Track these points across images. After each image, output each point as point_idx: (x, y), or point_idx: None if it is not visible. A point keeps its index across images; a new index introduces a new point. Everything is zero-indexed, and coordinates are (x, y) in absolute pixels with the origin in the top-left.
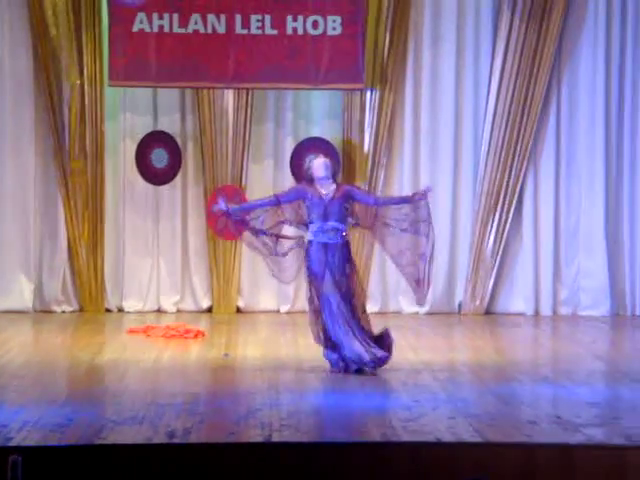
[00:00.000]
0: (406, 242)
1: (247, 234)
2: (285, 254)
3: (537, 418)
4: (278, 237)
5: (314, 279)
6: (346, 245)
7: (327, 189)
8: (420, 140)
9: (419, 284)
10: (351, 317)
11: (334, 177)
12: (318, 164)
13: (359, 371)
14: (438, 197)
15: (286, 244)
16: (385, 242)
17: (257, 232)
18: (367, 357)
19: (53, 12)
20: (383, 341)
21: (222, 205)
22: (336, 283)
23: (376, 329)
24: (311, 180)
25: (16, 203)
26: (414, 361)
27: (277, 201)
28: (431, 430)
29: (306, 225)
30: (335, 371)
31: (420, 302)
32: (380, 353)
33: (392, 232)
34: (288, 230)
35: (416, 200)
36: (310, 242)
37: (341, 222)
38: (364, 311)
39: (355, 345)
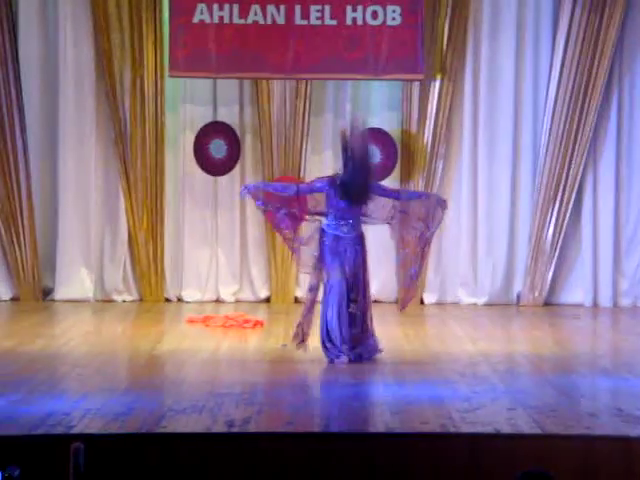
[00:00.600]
0: (412, 243)
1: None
2: (306, 243)
3: (597, 410)
4: (296, 224)
5: (323, 267)
6: (360, 238)
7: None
8: (479, 131)
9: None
10: (358, 310)
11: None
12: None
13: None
14: (497, 188)
15: (305, 234)
16: (398, 234)
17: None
18: (351, 352)
19: (115, 4)
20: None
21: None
22: (344, 274)
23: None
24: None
25: (78, 194)
26: (472, 352)
27: (297, 192)
28: (490, 421)
29: (324, 215)
30: (334, 360)
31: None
32: (365, 353)
33: (407, 223)
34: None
35: (435, 202)
36: (323, 231)
37: (356, 220)
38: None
39: (347, 335)
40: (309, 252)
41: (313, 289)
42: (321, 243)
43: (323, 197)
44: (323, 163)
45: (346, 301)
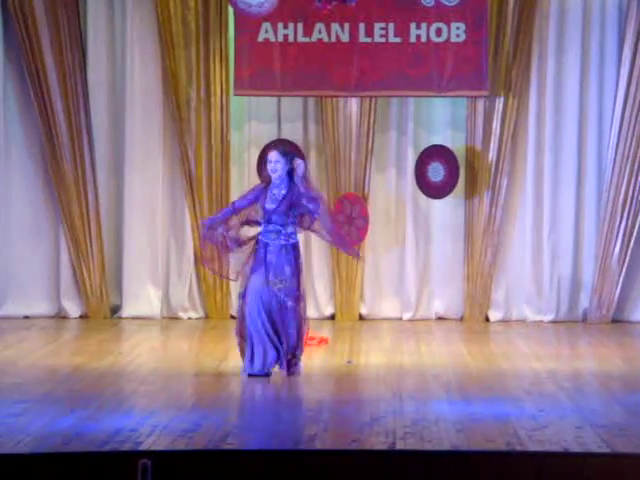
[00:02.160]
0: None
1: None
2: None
3: None
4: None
5: (248, 274)
6: (289, 247)
7: (278, 191)
8: (544, 148)
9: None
10: (281, 321)
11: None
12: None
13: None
14: (562, 204)
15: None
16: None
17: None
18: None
19: (181, 23)
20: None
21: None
22: (266, 283)
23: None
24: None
25: (144, 211)
26: (539, 370)
27: (234, 210)
28: (558, 440)
29: (259, 223)
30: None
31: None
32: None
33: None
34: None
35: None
36: (257, 240)
37: (284, 225)
38: (305, 317)
39: (265, 348)
40: (239, 259)
41: (242, 297)
42: (254, 250)
43: (258, 206)
44: (387, 180)
45: (264, 309)
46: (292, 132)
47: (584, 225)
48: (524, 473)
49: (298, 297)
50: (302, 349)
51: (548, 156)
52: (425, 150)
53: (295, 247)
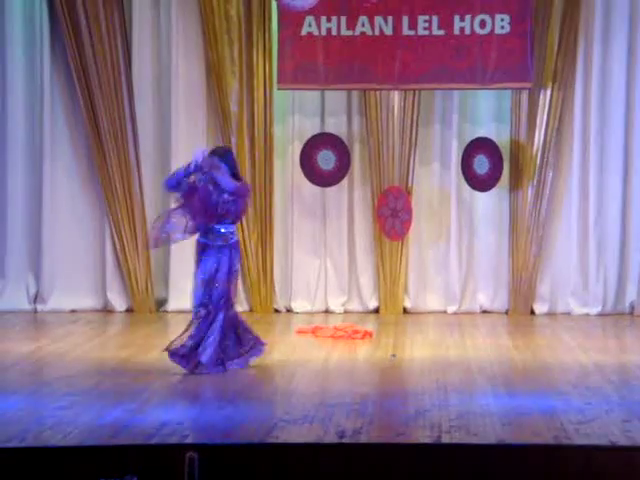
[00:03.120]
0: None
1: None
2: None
3: None
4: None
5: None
6: (227, 247)
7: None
8: (590, 140)
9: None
10: (222, 319)
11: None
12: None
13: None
14: (608, 196)
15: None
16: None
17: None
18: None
19: (225, 18)
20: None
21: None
22: (205, 282)
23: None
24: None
25: None
26: (585, 363)
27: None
28: (605, 433)
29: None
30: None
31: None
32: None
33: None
34: None
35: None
36: (197, 240)
37: (223, 224)
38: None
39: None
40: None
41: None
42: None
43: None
44: (431, 173)
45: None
46: (336, 125)
47: (631, 217)
48: (571, 467)
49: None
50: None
51: (594, 148)
52: (471, 142)
53: (234, 246)
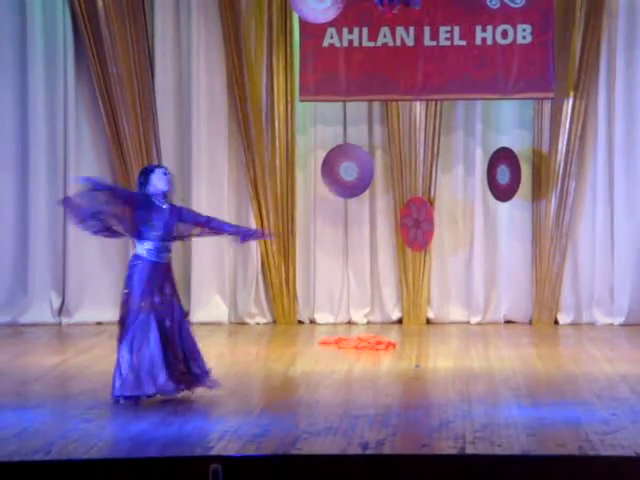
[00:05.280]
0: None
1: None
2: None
3: None
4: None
5: (131, 296)
6: (170, 264)
7: (164, 205)
8: (614, 149)
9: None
10: (178, 336)
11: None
12: (162, 176)
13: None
14: (633, 206)
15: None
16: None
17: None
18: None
19: (246, 31)
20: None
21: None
22: (153, 304)
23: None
24: (146, 192)
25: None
26: (610, 373)
27: (127, 197)
28: (630, 444)
29: (137, 237)
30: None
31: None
32: (172, 385)
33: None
34: None
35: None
36: (139, 257)
37: (170, 242)
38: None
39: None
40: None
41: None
42: (131, 271)
43: (131, 215)
44: (454, 183)
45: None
46: (357, 135)
47: None
48: (596, 477)
49: None
50: None
51: (617, 157)
52: (495, 152)
53: (170, 263)
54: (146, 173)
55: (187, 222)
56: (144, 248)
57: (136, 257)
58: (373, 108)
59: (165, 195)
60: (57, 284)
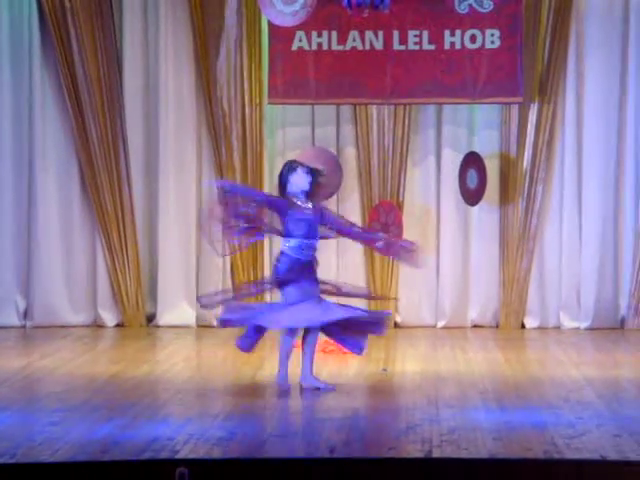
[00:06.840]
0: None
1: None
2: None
3: None
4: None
5: (279, 288)
6: (312, 262)
7: (307, 204)
8: (582, 154)
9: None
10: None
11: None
12: (303, 176)
13: None
14: (600, 211)
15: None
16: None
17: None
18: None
19: (216, 33)
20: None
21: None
22: (305, 292)
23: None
24: (285, 192)
25: (178, 221)
26: (576, 377)
27: (266, 202)
28: (596, 448)
29: (281, 235)
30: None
31: (418, 265)
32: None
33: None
34: None
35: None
36: (283, 253)
37: (316, 239)
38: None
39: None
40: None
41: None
42: (277, 266)
43: (278, 219)
44: (421, 187)
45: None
46: (325, 137)
47: (622, 231)
48: None
49: None
50: None
51: (585, 162)
52: (465, 157)
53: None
54: (287, 172)
55: (329, 225)
56: (288, 245)
57: (281, 254)
58: (341, 109)
59: (307, 194)
60: (22, 287)
